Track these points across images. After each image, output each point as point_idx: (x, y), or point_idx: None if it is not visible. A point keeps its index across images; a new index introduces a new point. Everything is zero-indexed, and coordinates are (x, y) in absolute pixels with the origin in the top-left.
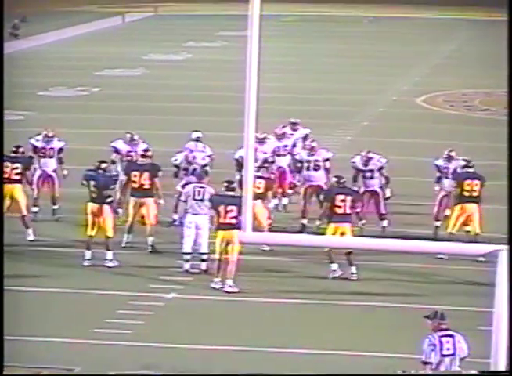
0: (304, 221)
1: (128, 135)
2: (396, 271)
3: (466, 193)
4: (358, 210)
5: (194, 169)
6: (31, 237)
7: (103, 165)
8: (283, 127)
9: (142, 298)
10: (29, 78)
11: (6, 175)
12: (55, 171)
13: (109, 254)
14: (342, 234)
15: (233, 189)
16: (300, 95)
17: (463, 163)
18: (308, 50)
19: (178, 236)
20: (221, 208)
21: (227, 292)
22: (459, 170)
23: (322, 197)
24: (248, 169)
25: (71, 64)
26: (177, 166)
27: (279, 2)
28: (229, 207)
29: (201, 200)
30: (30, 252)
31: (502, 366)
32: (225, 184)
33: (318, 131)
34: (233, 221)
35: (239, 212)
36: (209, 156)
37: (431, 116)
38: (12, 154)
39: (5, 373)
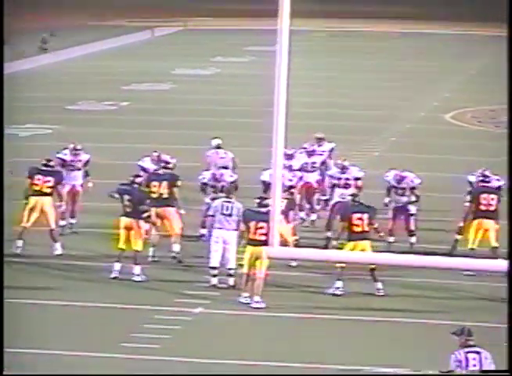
0: (329, 233)
1: (155, 154)
2: (421, 287)
3: (482, 208)
4: (375, 226)
5: (222, 186)
6: (59, 252)
7: (138, 179)
8: (312, 145)
9: (169, 312)
10: (57, 92)
11: (38, 188)
12: (81, 184)
13: (137, 269)
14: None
15: (266, 206)
16: (328, 110)
17: (481, 178)
18: (336, 65)
19: (205, 250)
20: (252, 224)
21: (254, 308)
22: (475, 185)
23: (339, 217)
24: (276, 184)
25: (99, 78)
26: (204, 183)
27: (308, 18)
28: (260, 224)
29: (229, 215)
30: (57, 266)
31: None
32: (258, 200)
33: (346, 146)
34: (263, 237)
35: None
36: (233, 170)
37: (459, 132)
38: (44, 168)
39: (5, 373)
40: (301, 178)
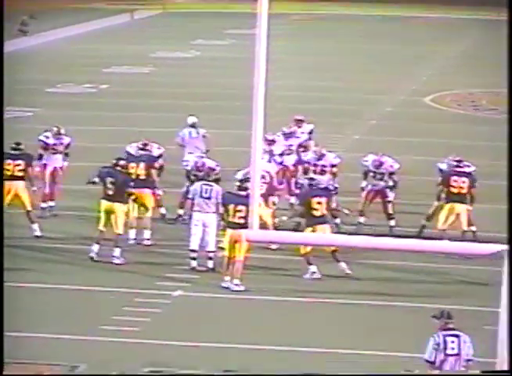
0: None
1: (143, 142)
2: (405, 270)
3: (454, 190)
4: (334, 206)
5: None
6: (38, 233)
7: (121, 162)
8: (291, 127)
9: (149, 295)
10: (37, 75)
11: (9, 172)
12: (61, 167)
13: (117, 252)
14: None
15: (245, 189)
16: (308, 94)
17: (453, 164)
18: (316, 49)
19: (184, 233)
20: (231, 207)
21: (233, 291)
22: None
23: (297, 202)
24: (255, 167)
25: (79, 61)
26: (188, 171)
27: (288, 1)
28: (239, 207)
29: (208, 198)
30: (36, 248)
31: (506, 365)
32: (238, 183)
33: (326, 129)
34: (242, 221)
35: (248, 212)
36: (204, 137)
37: (439, 115)
38: (13, 151)
39: (5, 373)
40: (281, 162)
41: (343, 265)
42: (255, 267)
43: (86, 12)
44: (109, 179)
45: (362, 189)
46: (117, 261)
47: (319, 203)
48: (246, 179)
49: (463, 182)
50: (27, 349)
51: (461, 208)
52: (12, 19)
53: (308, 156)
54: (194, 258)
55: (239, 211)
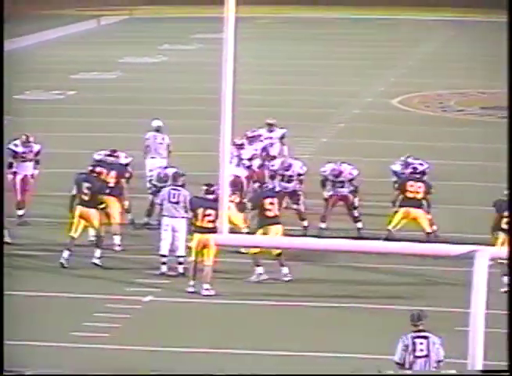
0: None
1: (110, 152)
2: (379, 270)
3: (409, 195)
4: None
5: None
6: (7, 240)
7: (98, 169)
8: (254, 131)
9: (119, 301)
10: (5, 81)
11: None
12: (32, 174)
13: (98, 252)
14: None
15: (212, 193)
16: (275, 97)
17: (405, 165)
18: (282, 52)
19: (153, 239)
20: (200, 211)
21: (204, 295)
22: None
23: (250, 204)
24: (224, 170)
25: (47, 67)
26: (152, 183)
27: (254, 4)
28: (207, 211)
29: (177, 202)
30: (5, 254)
31: (479, 366)
32: (205, 187)
33: (294, 132)
34: (210, 225)
35: (217, 216)
36: (168, 145)
37: (407, 117)
38: None
39: (5, 373)
40: (249, 166)
41: (285, 270)
42: (224, 271)
43: (53, 19)
44: (85, 185)
45: (326, 199)
46: (97, 261)
47: (271, 203)
48: (210, 184)
49: (419, 187)
50: None
51: (417, 213)
52: (3, 23)
53: (275, 166)
54: (164, 263)
55: (208, 215)
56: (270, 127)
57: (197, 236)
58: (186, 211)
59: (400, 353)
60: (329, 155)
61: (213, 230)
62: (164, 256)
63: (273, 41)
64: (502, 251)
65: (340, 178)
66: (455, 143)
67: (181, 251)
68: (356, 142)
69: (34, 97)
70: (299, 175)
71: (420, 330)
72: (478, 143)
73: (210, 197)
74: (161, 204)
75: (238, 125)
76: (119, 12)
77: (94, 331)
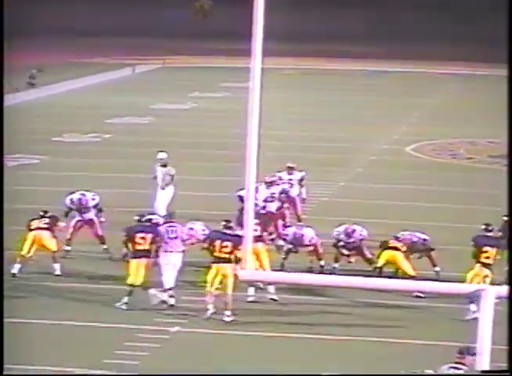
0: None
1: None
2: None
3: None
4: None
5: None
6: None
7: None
8: (273, 176)
9: (148, 331)
10: (44, 125)
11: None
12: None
13: None
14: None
15: (230, 228)
16: (296, 143)
17: None
18: (304, 101)
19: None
20: (218, 243)
21: (226, 322)
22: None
23: (125, 237)
24: (249, 209)
25: (84, 112)
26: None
27: (280, 56)
28: (225, 243)
29: (175, 238)
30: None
31: None
32: (223, 223)
33: (313, 176)
34: (227, 256)
35: (234, 248)
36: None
37: (419, 163)
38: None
39: (5, 373)
40: (263, 207)
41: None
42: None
43: (91, 66)
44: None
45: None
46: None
47: (142, 238)
48: (228, 220)
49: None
50: None
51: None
52: (21, 72)
53: (289, 233)
54: (172, 296)
55: (225, 246)
56: (290, 170)
57: (215, 266)
58: (183, 245)
59: None
60: (347, 198)
61: (229, 260)
62: (170, 289)
63: (295, 91)
64: (506, 289)
65: (352, 239)
66: (463, 189)
67: (170, 283)
68: (371, 187)
69: (71, 139)
70: (307, 245)
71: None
72: (486, 189)
73: (228, 231)
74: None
75: (261, 167)
76: (153, 61)
77: (125, 359)
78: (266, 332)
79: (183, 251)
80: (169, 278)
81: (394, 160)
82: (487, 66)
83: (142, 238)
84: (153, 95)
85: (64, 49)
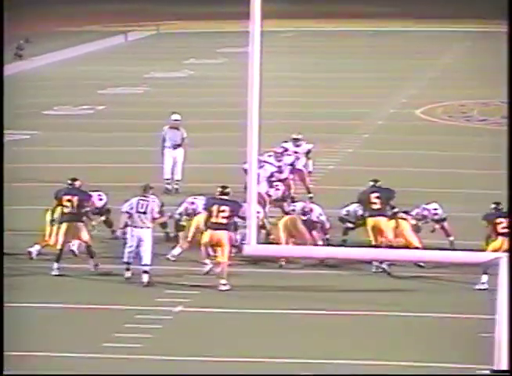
0: None
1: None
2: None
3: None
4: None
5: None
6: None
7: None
8: (282, 146)
9: (150, 311)
10: (34, 98)
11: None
12: None
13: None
14: None
15: (227, 194)
16: (301, 110)
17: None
18: (305, 65)
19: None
20: (215, 208)
21: (221, 290)
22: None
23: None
24: (252, 182)
25: (75, 83)
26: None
27: (279, 18)
28: (222, 207)
29: (144, 213)
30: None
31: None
32: (220, 189)
33: (319, 144)
34: (224, 221)
35: (231, 214)
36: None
37: (430, 127)
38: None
39: (5, 373)
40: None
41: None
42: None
43: (80, 35)
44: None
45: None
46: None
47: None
48: (224, 186)
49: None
50: (28, 368)
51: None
52: (8, 43)
53: (297, 209)
54: (128, 270)
55: (223, 211)
56: (296, 141)
57: (209, 232)
58: (152, 221)
59: None
60: (354, 165)
61: (226, 227)
62: (128, 263)
63: (297, 55)
64: None
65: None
66: (477, 153)
67: (146, 260)
68: (380, 153)
69: (63, 112)
70: (315, 222)
71: None
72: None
73: (225, 197)
74: (129, 214)
75: (264, 137)
76: (146, 27)
77: (125, 342)
78: (273, 309)
79: (149, 228)
80: (129, 253)
81: (402, 125)
82: (499, 23)
83: (69, 200)
84: (147, 63)
85: (52, 18)
